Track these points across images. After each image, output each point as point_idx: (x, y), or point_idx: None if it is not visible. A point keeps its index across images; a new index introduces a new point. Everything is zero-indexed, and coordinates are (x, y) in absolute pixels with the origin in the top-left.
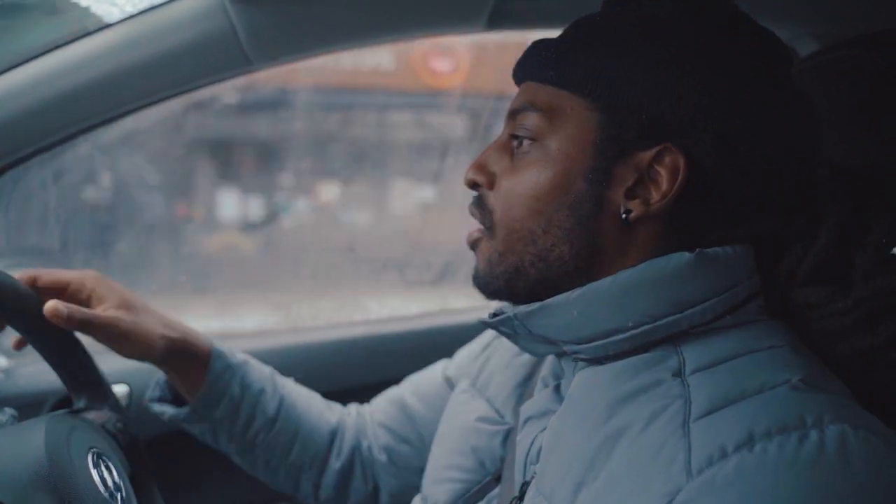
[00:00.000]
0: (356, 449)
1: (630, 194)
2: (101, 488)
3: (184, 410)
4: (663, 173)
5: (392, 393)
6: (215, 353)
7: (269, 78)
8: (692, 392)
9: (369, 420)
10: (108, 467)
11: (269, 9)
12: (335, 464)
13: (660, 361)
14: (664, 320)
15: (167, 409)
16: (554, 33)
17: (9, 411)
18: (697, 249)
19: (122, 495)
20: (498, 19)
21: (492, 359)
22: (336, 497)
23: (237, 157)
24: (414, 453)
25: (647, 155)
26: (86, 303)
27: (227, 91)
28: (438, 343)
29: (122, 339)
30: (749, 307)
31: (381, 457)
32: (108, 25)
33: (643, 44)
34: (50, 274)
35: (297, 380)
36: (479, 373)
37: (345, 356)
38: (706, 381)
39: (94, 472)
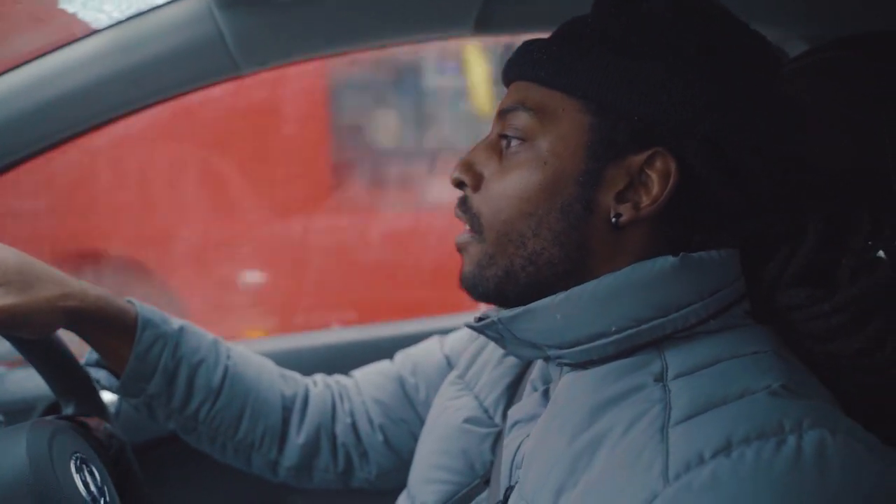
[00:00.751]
0: (324, 423)
1: (620, 198)
2: (84, 493)
3: (115, 382)
4: (654, 177)
5: (385, 367)
6: (143, 321)
7: None
8: (672, 397)
9: (355, 393)
10: (91, 472)
11: (256, 14)
12: (297, 439)
13: (643, 366)
14: (648, 324)
15: (102, 376)
16: (540, 36)
17: None
18: (682, 253)
19: (105, 500)
20: (484, 23)
21: (481, 353)
22: (297, 475)
23: None
24: (411, 435)
25: (639, 158)
26: None
27: None
28: None
29: (11, 325)
30: (734, 311)
31: (377, 436)
32: (96, 31)
33: (636, 47)
34: None
35: None
36: (469, 366)
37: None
38: (687, 385)
39: (76, 477)
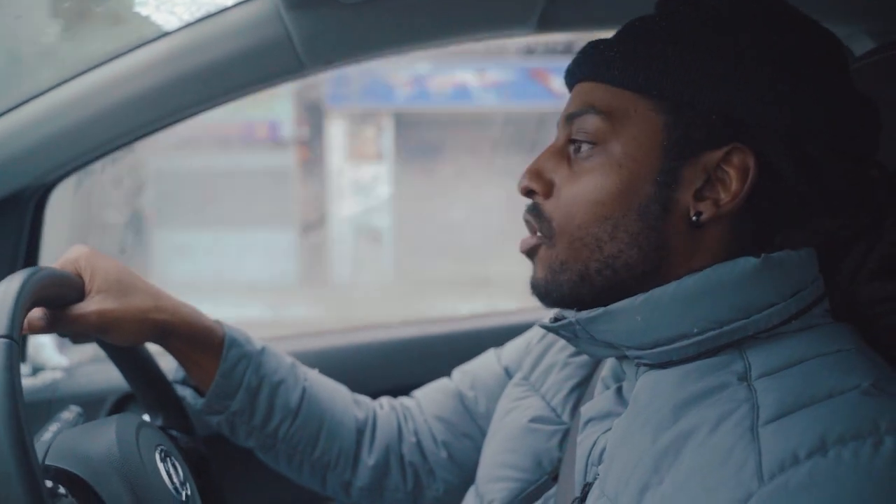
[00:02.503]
0: (391, 445)
1: (699, 196)
2: (168, 482)
3: (200, 400)
4: (732, 173)
5: (444, 385)
6: (229, 341)
7: None
8: (759, 396)
9: (417, 413)
10: (174, 466)
11: (323, 14)
12: (368, 460)
13: (725, 365)
14: (730, 326)
15: (188, 394)
16: (603, 35)
17: (75, 409)
18: (763, 254)
19: (186, 493)
20: (548, 22)
21: (546, 354)
22: (369, 496)
23: None
24: (475, 448)
25: (716, 155)
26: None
27: None
28: (486, 345)
29: (104, 330)
30: (815, 311)
31: (441, 453)
32: (167, 33)
33: (709, 42)
34: (61, 265)
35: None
36: (533, 367)
37: (392, 358)
38: (773, 385)
39: (160, 466)
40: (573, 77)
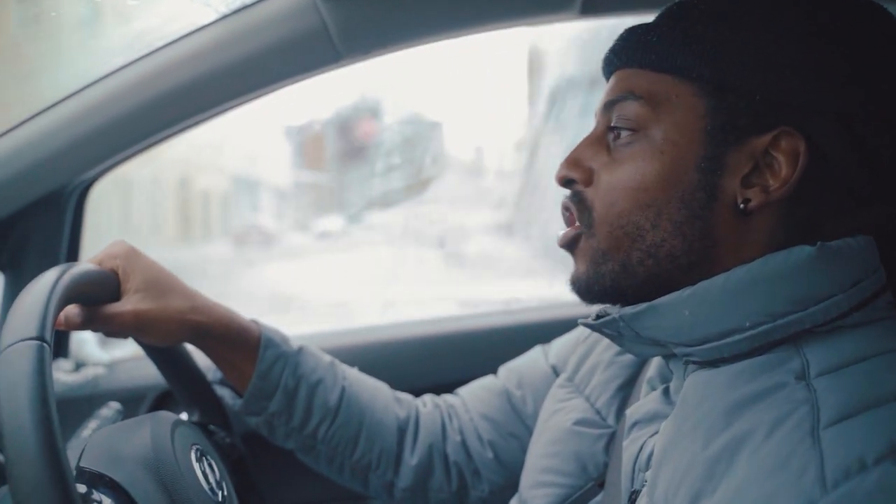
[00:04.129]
0: (435, 444)
1: (746, 182)
2: (203, 482)
3: (238, 401)
4: (781, 159)
5: (490, 383)
6: (265, 341)
7: None
8: (819, 397)
9: (462, 412)
10: (210, 465)
11: (359, 3)
12: (411, 460)
13: (780, 363)
14: (785, 319)
15: (226, 394)
16: (647, 19)
17: (114, 405)
18: (819, 242)
19: (223, 494)
20: (590, 6)
21: (591, 354)
22: (412, 497)
23: None
24: (522, 449)
25: (763, 140)
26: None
27: None
28: (531, 339)
29: (140, 329)
30: (877, 303)
31: (487, 453)
32: (203, 27)
33: (753, 22)
34: (99, 262)
35: (381, 378)
36: (577, 368)
37: (434, 353)
38: (834, 384)
39: (196, 466)
40: (611, 65)
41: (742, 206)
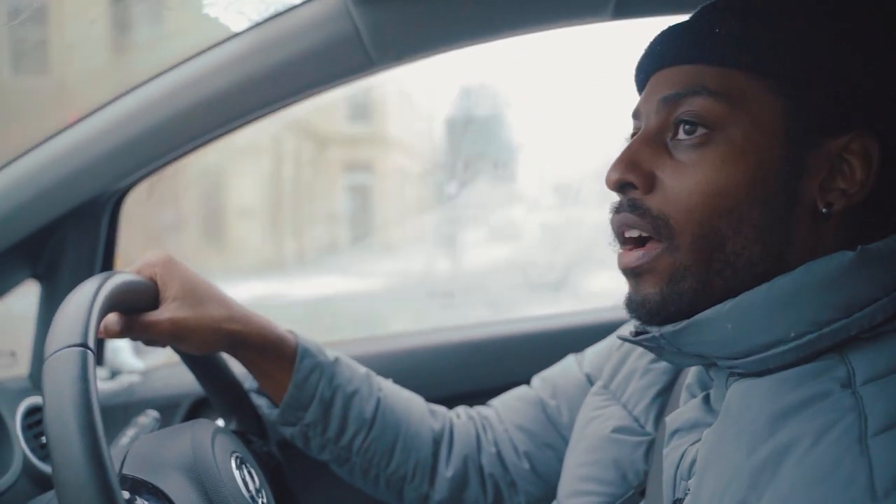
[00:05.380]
0: (470, 456)
1: (825, 186)
2: (244, 490)
3: (275, 410)
4: (854, 162)
5: (524, 393)
6: (302, 351)
7: None
8: (866, 404)
9: (496, 423)
10: (250, 473)
11: (392, 9)
12: (446, 472)
13: (825, 371)
14: (830, 327)
15: (263, 403)
16: (678, 20)
17: (152, 413)
18: (859, 246)
19: (263, 501)
20: (624, 8)
21: (626, 361)
22: None
23: None
24: (558, 460)
25: (839, 142)
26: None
27: None
28: (568, 345)
29: (178, 338)
30: None
31: (523, 464)
32: (237, 34)
33: (823, 17)
34: (138, 270)
35: (412, 385)
36: (613, 375)
37: (466, 360)
38: (882, 391)
39: (236, 473)
40: (661, 61)
41: (825, 210)
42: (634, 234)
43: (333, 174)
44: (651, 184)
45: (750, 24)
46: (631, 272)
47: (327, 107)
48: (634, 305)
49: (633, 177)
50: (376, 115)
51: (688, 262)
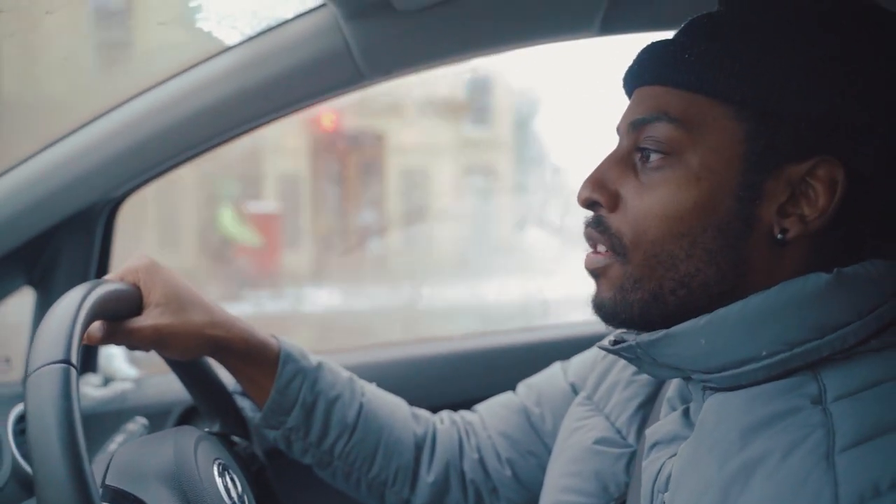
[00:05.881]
0: (452, 461)
1: (783, 212)
2: (226, 497)
3: (258, 413)
4: (819, 187)
5: (508, 400)
6: (284, 356)
7: None
8: (835, 421)
9: (480, 429)
10: (232, 479)
11: (381, 24)
12: (427, 477)
13: (797, 387)
14: (802, 347)
15: (246, 406)
16: (665, 36)
17: (140, 420)
18: (836, 269)
19: None
20: (610, 24)
21: (609, 372)
22: None
23: None
24: (540, 467)
25: (801, 167)
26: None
27: None
28: (549, 358)
29: (160, 344)
30: (895, 329)
31: (505, 470)
32: (229, 48)
33: (792, 43)
34: (121, 276)
35: (400, 396)
36: (597, 386)
37: (452, 371)
38: (850, 409)
39: (218, 481)
40: (637, 79)
41: (780, 236)
42: (600, 247)
43: None
44: (615, 203)
45: (714, 49)
46: (590, 273)
47: None
48: (593, 306)
49: (598, 195)
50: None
51: (638, 276)
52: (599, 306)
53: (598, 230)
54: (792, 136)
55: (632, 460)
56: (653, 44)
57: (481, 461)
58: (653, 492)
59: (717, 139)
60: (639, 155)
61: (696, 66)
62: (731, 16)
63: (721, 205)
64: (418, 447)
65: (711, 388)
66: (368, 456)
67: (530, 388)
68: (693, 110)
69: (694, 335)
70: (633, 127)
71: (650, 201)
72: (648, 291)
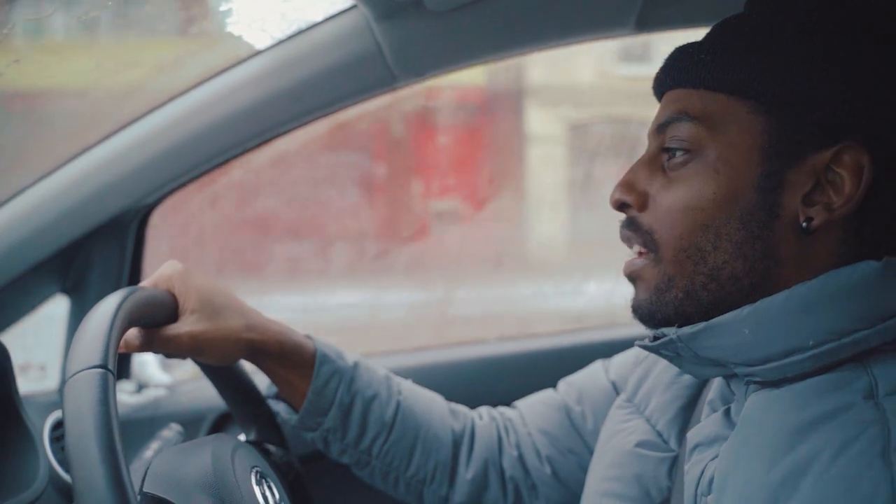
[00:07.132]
0: (491, 458)
1: (808, 201)
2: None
3: (294, 416)
4: (844, 174)
5: (549, 397)
6: (321, 357)
7: None
8: (889, 417)
9: (520, 425)
10: (270, 488)
11: (412, 25)
12: (466, 474)
13: (847, 382)
14: (851, 337)
15: (282, 409)
16: (703, 33)
17: (175, 427)
18: (885, 257)
19: None
20: (645, 21)
21: (649, 375)
22: None
23: None
24: (580, 466)
25: (825, 156)
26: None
27: None
28: (589, 362)
29: (197, 351)
30: None
31: (545, 468)
32: (260, 52)
33: (811, 34)
34: (154, 284)
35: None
36: (637, 388)
37: (490, 375)
38: None
39: (256, 489)
40: (662, 85)
41: (804, 224)
42: (635, 247)
43: None
44: (644, 202)
45: (731, 48)
46: (628, 278)
47: None
48: (633, 309)
49: (628, 197)
50: None
51: (671, 274)
52: (637, 308)
53: (630, 229)
54: (810, 127)
55: (674, 465)
56: (675, 50)
57: (521, 458)
58: (696, 495)
59: (735, 133)
60: (665, 155)
61: (711, 65)
62: (754, 16)
63: (742, 195)
64: (456, 443)
65: (755, 384)
66: (406, 454)
67: (571, 386)
68: (712, 108)
69: (737, 325)
70: (659, 129)
71: (675, 196)
72: (682, 289)
